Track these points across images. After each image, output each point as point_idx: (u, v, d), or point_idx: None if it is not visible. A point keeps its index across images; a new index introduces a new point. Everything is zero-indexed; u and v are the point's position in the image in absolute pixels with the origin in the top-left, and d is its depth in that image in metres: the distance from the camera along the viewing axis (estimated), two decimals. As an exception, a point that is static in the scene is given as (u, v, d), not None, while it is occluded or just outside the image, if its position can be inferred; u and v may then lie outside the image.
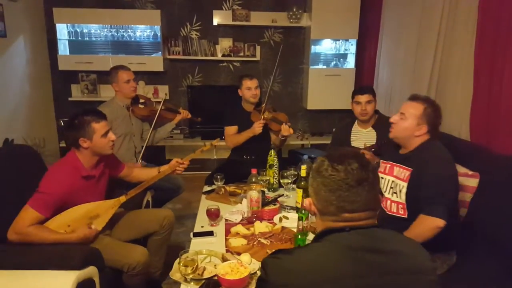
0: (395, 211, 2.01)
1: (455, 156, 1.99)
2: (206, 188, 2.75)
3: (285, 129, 2.99)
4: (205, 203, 2.48)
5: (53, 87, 4.64)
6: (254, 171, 2.43)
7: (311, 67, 4.58)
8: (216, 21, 4.63)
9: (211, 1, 4.62)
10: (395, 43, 3.87)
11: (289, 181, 2.56)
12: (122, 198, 2.08)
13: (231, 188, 2.59)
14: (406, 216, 1.95)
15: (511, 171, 2.08)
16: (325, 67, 4.76)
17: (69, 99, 4.59)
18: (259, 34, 4.77)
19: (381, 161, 2.20)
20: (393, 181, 2.04)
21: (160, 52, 4.55)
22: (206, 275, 1.64)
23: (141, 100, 3.06)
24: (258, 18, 4.63)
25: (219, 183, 2.68)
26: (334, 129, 3.27)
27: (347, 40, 4.71)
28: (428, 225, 1.74)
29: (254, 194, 2.18)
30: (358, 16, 4.48)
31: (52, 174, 1.88)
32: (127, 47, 4.64)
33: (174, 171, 2.30)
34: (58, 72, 4.48)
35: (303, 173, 2.29)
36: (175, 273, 1.68)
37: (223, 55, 4.68)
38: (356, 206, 1.02)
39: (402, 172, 1.98)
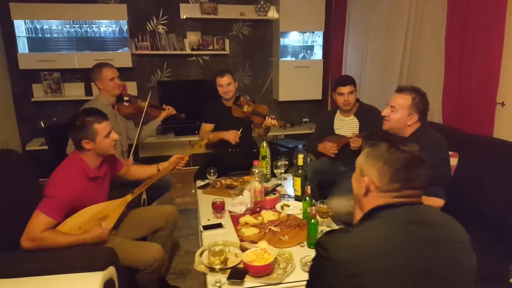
0: None
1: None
2: (200, 183, 2.77)
3: (269, 121, 3.07)
4: (204, 197, 2.52)
5: (13, 88, 4.38)
6: (256, 162, 2.50)
7: (280, 59, 4.69)
8: (183, 14, 4.59)
9: (178, -6, 4.57)
10: (362, 34, 4.07)
11: (282, 171, 2.66)
12: (129, 197, 2.07)
13: (227, 181, 2.64)
14: None
15: (486, 149, 2.32)
16: (293, 59, 4.89)
17: (32, 99, 4.36)
18: (228, 27, 4.79)
19: None
20: None
21: (126, 48, 4.45)
22: (230, 264, 1.70)
23: (126, 98, 3.00)
24: (226, 11, 4.64)
25: (212, 177, 2.73)
26: (317, 119, 3.39)
27: (313, 32, 4.86)
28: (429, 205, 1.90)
29: (257, 185, 2.25)
30: (324, 9, 4.64)
31: (59, 177, 1.83)
32: (92, 43, 4.48)
33: (175, 167, 2.31)
34: (18, 71, 4.24)
35: (300, 162, 2.40)
36: (199, 265, 1.73)
37: (193, 49, 4.65)
38: (417, 184, 1.14)
39: None
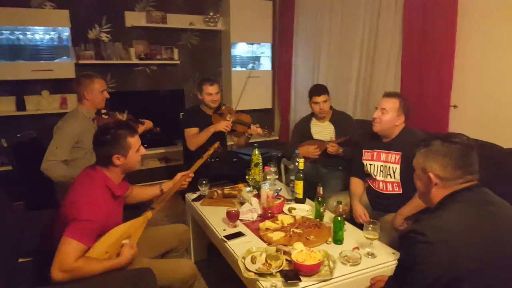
0: (390, 189, 2.39)
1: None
2: (192, 195, 2.72)
3: (255, 130, 3.14)
4: (206, 210, 2.49)
5: None
6: (267, 168, 2.53)
7: (233, 69, 4.77)
8: (128, 22, 4.40)
9: (122, 1, 4.37)
10: (312, 45, 4.36)
11: (276, 177, 2.74)
12: (149, 214, 1.96)
13: (226, 190, 2.63)
14: (401, 192, 2.35)
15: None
16: (244, 69, 5.00)
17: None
18: (176, 37, 4.71)
19: (364, 150, 2.55)
20: (383, 166, 2.42)
21: (67, 57, 4.13)
22: (276, 268, 1.73)
23: (103, 111, 2.81)
24: (175, 21, 4.58)
25: (204, 188, 2.69)
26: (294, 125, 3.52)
27: (259, 44, 5.04)
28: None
29: (269, 191, 2.31)
30: (271, 22, 4.85)
31: (87, 198, 1.66)
32: (26, 52, 4.05)
33: (181, 186, 2.25)
34: None
35: (301, 166, 2.51)
36: (247, 272, 1.73)
37: (140, 59, 4.48)
38: (473, 168, 1.33)
39: (392, 157, 2.37)
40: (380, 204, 2.45)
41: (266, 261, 1.65)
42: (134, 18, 4.40)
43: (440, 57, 2.89)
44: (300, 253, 1.75)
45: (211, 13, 4.69)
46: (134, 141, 1.82)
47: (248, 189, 2.80)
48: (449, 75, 2.85)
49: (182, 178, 2.26)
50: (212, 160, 3.23)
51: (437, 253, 1.17)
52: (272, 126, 5.34)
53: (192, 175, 2.30)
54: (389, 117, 2.35)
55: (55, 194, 2.58)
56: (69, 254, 1.54)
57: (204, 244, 2.78)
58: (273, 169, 2.76)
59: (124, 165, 1.81)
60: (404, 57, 3.21)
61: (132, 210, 2.37)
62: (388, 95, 2.44)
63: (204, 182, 2.68)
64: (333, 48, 4.06)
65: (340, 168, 3.12)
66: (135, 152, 1.82)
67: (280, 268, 1.70)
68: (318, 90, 3.12)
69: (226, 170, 3.29)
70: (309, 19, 4.39)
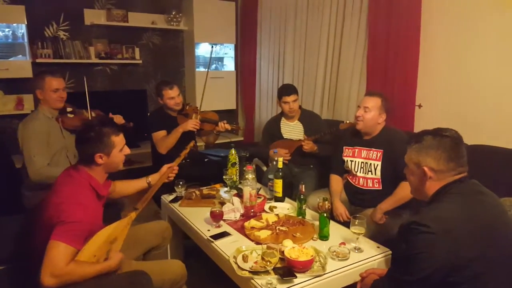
0: (371, 185, 2.48)
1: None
2: (169, 197, 2.66)
3: (223, 126, 3.12)
4: (186, 211, 2.45)
5: None
6: (249, 167, 2.53)
7: (196, 69, 4.71)
8: (88, 20, 4.22)
9: (81, -2, 4.18)
10: (276, 46, 4.41)
11: (253, 176, 2.73)
12: (133, 215, 1.89)
13: (205, 191, 2.60)
14: (380, 188, 2.45)
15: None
16: (206, 69, 4.94)
17: None
18: (137, 36, 4.58)
19: (344, 147, 2.63)
20: (364, 162, 2.51)
21: (22, 56, 3.87)
22: (273, 265, 1.74)
23: (68, 109, 2.66)
24: (137, 19, 4.44)
25: (181, 189, 2.65)
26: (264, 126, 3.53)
27: (222, 44, 5.02)
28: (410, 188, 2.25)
29: (252, 190, 2.31)
30: (234, 23, 4.85)
31: (72, 198, 1.58)
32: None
33: (167, 178, 2.21)
34: None
35: (280, 165, 2.54)
36: (240, 271, 1.72)
37: (101, 58, 4.31)
38: (464, 160, 1.42)
39: (373, 154, 2.46)
40: (359, 199, 2.53)
41: (263, 258, 1.65)
42: (94, 16, 4.22)
43: (404, 58, 3.03)
44: (293, 249, 1.78)
45: (173, 13, 4.61)
46: (119, 140, 1.76)
47: (225, 189, 2.78)
48: (414, 75, 3.00)
49: (169, 170, 2.23)
50: (183, 161, 3.18)
51: (441, 243, 1.24)
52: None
53: (177, 168, 2.27)
54: (371, 115, 2.44)
55: (20, 199, 2.42)
56: (60, 258, 1.46)
57: (180, 246, 2.73)
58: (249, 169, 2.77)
59: (107, 164, 1.74)
60: (369, 58, 3.33)
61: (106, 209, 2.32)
62: (370, 94, 2.54)
63: (181, 183, 2.64)
64: (298, 49, 4.13)
65: (312, 166, 3.19)
66: (118, 151, 1.77)
67: (274, 266, 1.72)
68: (288, 90, 3.16)
69: (198, 171, 3.25)
70: (273, 20, 4.44)
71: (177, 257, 2.64)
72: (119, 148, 1.76)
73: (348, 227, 2.24)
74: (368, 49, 3.34)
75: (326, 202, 2.08)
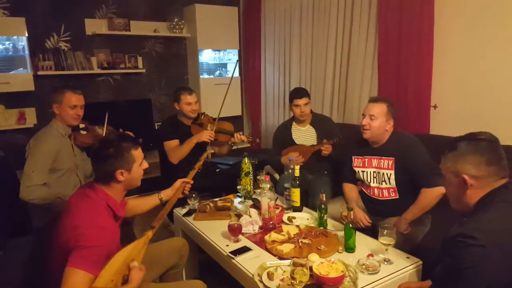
0: (387, 195, 2.36)
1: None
2: (182, 210, 2.56)
3: (239, 138, 3.03)
4: (201, 225, 2.35)
5: None
6: (266, 177, 2.43)
7: (200, 76, 4.63)
8: (89, 30, 4.14)
9: (82, 8, 4.09)
10: (282, 51, 4.34)
11: (268, 185, 2.64)
12: (150, 234, 1.79)
13: (220, 203, 2.51)
14: (397, 197, 2.33)
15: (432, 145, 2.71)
16: (211, 76, 4.88)
17: None
18: (139, 45, 4.50)
19: (353, 157, 2.51)
20: (376, 172, 2.39)
21: (23, 69, 3.79)
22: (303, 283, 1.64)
23: (81, 125, 2.57)
24: (139, 28, 4.37)
25: (194, 201, 2.56)
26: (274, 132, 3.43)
27: (225, 50, 4.94)
28: (433, 194, 2.13)
29: (271, 201, 2.21)
30: (237, 28, 4.78)
31: (90, 222, 1.48)
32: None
33: (183, 193, 2.11)
34: None
35: (297, 173, 2.44)
36: (268, 291, 1.62)
37: (103, 68, 4.22)
38: (504, 162, 1.32)
39: (385, 163, 2.33)
40: (377, 210, 2.42)
41: (293, 278, 1.55)
42: (95, 26, 4.14)
43: (418, 57, 2.94)
44: (321, 265, 1.68)
45: (176, 20, 4.53)
46: (138, 153, 1.68)
47: (239, 199, 2.69)
48: (428, 75, 2.92)
49: (183, 185, 2.14)
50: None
51: (491, 256, 1.15)
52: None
53: (192, 182, 2.19)
54: (378, 123, 2.30)
55: (30, 220, 2.32)
56: (78, 287, 1.36)
57: (195, 262, 2.62)
58: (263, 178, 2.67)
59: (127, 181, 1.65)
60: (380, 58, 3.24)
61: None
62: (374, 100, 2.40)
63: (193, 195, 2.54)
64: (304, 52, 4.05)
65: (326, 172, 3.09)
66: (138, 165, 1.68)
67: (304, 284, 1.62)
68: (299, 93, 3.08)
69: (209, 182, 3.15)
70: (277, 24, 4.38)
71: (192, 274, 2.56)
72: (139, 163, 1.68)
73: (370, 234, 2.17)
74: (378, 49, 3.26)
75: (352, 212, 1.98)
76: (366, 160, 2.44)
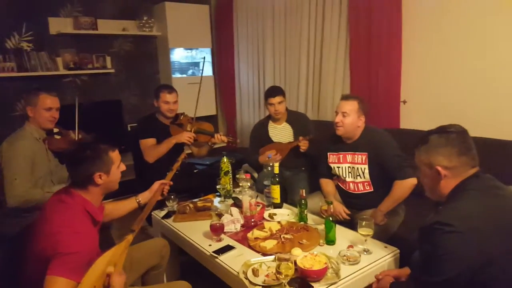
0: (362, 189, 2.43)
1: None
2: (160, 213, 2.53)
3: (219, 138, 3.01)
4: (181, 226, 2.33)
5: None
6: (247, 175, 2.43)
7: (173, 76, 4.57)
8: (53, 29, 4.00)
9: (44, 7, 3.94)
10: (256, 49, 4.35)
11: (249, 184, 2.64)
12: (130, 237, 1.75)
13: (199, 203, 2.49)
14: (372, 190, 2.41)
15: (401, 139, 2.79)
16: (184, 75, 4.82)
17: None
18: (108, 44, 4.39)
19: (328, 153, 2.57)
20: (351, 167, 2.45)
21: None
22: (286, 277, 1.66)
23: (55, 130, 2.48)
24: (106, 27, 4.26)
25: (173, 203, 2.53)
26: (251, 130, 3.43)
27: (197, 49, 4.90)
28: (406, 186, 2.22)
29: (252, 199, 2.23)
30: (209, 26, 4.75)
31: (68, 228, 1.43)
32: None
33: (161, 194, 2.09)
34: None
35: (276, 170, 2.47)
36: (253, 286, 1.64)
37: (69, 69, 4.09)
38: (474, 152, 1.39)
39: (359, 157, 2.40)
40: (353, 203, 2.48)
41: (278, 272, 1.57)
42: (60, 25, 4.00)
43: (387, 55, 3.04)
44: (305, 258, 1.71)
45: (145, 18, 4.45)
46: (115, 155, 1.65)
47: (218, 199, 2.68)
48: (398, 71, 3.02)
49: (161, 186, 2.12)
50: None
51: (468, 241, 1.21)
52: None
53: (171, 183, 2.17)
54: (350, 120, 2.37)
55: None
56: None
57: (176, 263, 2.60)
58: (242, 176, 2.68)
59: (106, 183, 1.62)
60: (352, 56, 3.32)
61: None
62: (346, 98, 2.47)
63: (172, 197, 2.51)
64: (278, 50, 4.09)
65: (303, 168, 3.14)
66: (116, 168, 1.65)
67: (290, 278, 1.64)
68: (273, 91, 3.10)
69: (187, 183, 3.12)
70: (250, 23, 4.38)
71: (174, 277, 2.53)
72: (117, 165, 1.65)
73: (348, 226, 2.23)
74: (350, 47, 3.33)
75: (331, 206, 2.02)
76: (341, 156, 2.50)
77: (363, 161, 2.39)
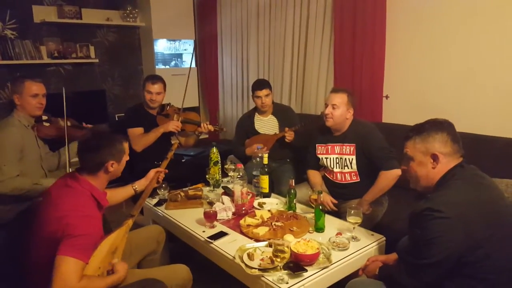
0: (349, 179, 2.55)
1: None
2: (152, 201, 2.57)
3: (205, 127, 3.07)
4: (173, 213, 2.39)
5: None
6: (239, 165, 2.50)
7: (156, 67, 4.57)
8: (37, 18, 3.94)
9: (28, -6, 3.89)
10: (239, 41, 4.40)
11: (239, 174, 2.71)
12: (130, 222, 1.82)
13: (191, 191, 2.55)
14: (358, 180, 2.53)
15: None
16: (167, 67, 4.83)
17: None
18: (91, 34, 4.35)
19: (317, 144, 2.67)
20: (338, 158, 2.56)
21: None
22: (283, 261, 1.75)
23: (44, 117, 2.48)
24: (90, 16, 4.22)
25: (164, 191, 2.59)
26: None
27: (180, 40, 4.91)
28: (391, 176, 2.34)
29: (244, 188, 2.31)
30: (192, 18, 4.76)
31: (77, 211, 1.49)
32: None
33: (157, 183, 2.15)
34: None
35: (265, 160, 2.55)
36: (249, 269, 1.72)
37: (53, 57, 4.04)
38: (461, 143, 1.51)
39: (347, 148, 2.51)
40: (339, 193, 2.59)
41: (276, 255, 1.66)
42: (44, 13, 3.95)
43: (371, 50, 3.14)
44: (298, 244, 1.81)
45: (129, 8, 4.43)
46: (126, 146, 1.75)
47: (207, 188, 2.75)
48: (381, 67, 3.13)
49: (156, 174, 2.18)
50: (160, 162, 3.09)
51: (456, 226, 1.32)
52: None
53: (166, 171, 2.24)
54: (340, 112, 2.47)
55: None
56: (71, 274, 1.38)
57: (166, 250, 2.65)
58: (230, 166, 2.75)
59: (114, 171, 1.70)
60: (336, 51, 3.41)
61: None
62: (336, 90, 2.57)
63: (163, 185, 2.57)
64: (262, 43, 4.14)
65: (288, 160, 3.23)
66: (126, 157, 1.74)
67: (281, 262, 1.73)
68: (260, 84, 3.17)
69: (175, 172, 3.15)
70: (233, 14, 4.42)
71: (164, 262, 2.58)
72: (126, 154, 1.74)
73: (336, 216, 2.34)
74: (334, 42, 3.42)
75: (321, 196, 2.12)
76: (329, 147, 2.60)
77: (351, 152, 2.50)
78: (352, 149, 2.50)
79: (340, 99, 2.49)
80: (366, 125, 2.56)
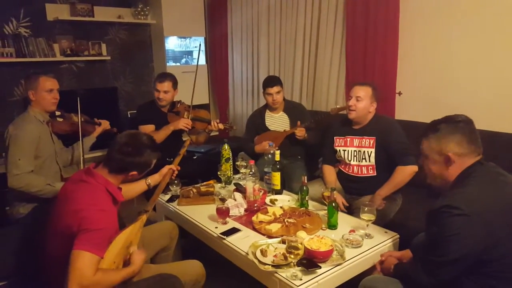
0: (365, 172, 2.54)
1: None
2: (164, 197, 2.59)
3: (216, 126, 3.08)
4: (185, 210, 2.40)
5: None
6: (251, 162, 2.50)
7: (167, 64, 4.59)
8: (50, 16, 3.97)
9: (41, -8, 3.92)
10: (250, 38, 4.39)
11: (250, 171, 2.71)
12: (144, 217, 1.84)
13: (203, 188, 2.56)
14: (375, 174, 2.52)
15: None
16: (178, 64, 4.84)
17: None
18: (103, 31, 4.37)
19: (335, 137, 2.67)
20: (357, 151, 2.56)
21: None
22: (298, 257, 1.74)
23: (57, 113, 2.51)
24: (102, 14, 4.25)
25: (176, 188, 2.60)
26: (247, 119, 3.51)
27: (190, 38, 4.92)
28: (407, 172, 2.33)
29: (256, 184, 2.31)
30: (203, 15, 4.77)
31: (94, 205, 1.50)
32: None
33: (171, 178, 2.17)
34: None
35: (277, 157, 2.55)
36: (263, 266, 1.72)
37: (66, 55, 4.07)
38: (479, 141, 1.48)
39: (366, 141, 2.51)
40: (353, 188, 2.59)
41: (289, 252, 1.66)
42: (57, 11, 3.98)
43: (384, 46, 3.10)
44: (312, 240, 1.80)
45: (140, 6, 4.45)
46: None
47: (219, 185, 2.76)
48: (394, 63, 3.10)
49: (170, 171, 2.20)
50: (172, 159, 3.11)
51: (475, 224, 1.30)
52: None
53: (179, 168, 2.26)
54: (363, 104, 2.48)
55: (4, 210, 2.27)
56: (87, 268, 1.39)
57: (178, 246, 2.66)
58: (241, 163, 2.75)
59: (133, 178, 1.75)
60: (348, 47, 3.38)
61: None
62: (360, 84, 2.58)
63: (175, 181, 2.58)
64: (273, 40, 4.12)
65: (299, 157, 3.22)
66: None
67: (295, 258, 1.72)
68: (271, 81, 3.17)
69: (187, 169, 3.17)
70: (244, 11, 4.40)
71: (177, 258, 2.59)
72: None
73: (347, 213, 2.33)
74: (346, 38, 3.39)
75: (334, 193, 2.11)
76: (348, 139, 2.60)
77: (371, 145, 2.50)
78: (372, 142, 2.50)
79: (365, 92, 2.50)
80: (388, 120, 2.58)
